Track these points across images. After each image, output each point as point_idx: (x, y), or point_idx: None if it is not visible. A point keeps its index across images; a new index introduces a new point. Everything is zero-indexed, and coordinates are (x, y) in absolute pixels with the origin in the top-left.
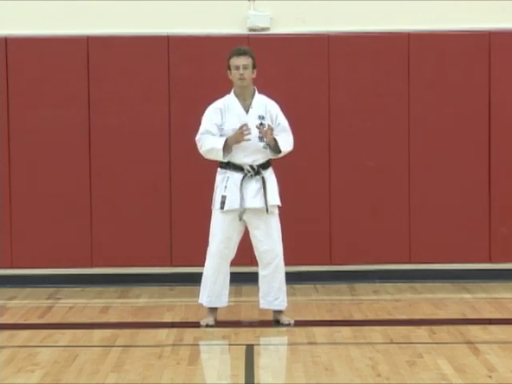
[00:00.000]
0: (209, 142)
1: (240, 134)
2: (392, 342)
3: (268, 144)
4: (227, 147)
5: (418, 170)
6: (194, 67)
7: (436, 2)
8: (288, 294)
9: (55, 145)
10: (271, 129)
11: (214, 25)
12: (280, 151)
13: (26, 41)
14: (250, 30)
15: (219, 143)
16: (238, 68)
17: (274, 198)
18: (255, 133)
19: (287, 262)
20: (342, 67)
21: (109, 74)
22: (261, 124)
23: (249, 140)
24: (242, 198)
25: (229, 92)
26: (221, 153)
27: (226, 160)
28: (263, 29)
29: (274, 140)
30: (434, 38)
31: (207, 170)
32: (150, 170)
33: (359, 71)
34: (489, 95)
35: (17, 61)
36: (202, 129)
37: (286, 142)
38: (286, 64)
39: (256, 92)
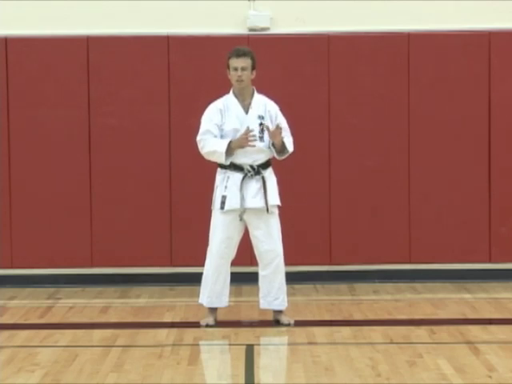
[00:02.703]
0: (211, 144)
1: (245, 139)
2: (392, 342)
3: (273, 145)
4: (230, 150)
5: (418, 170)
6: (194, 67)
7: (436, 1)
8: (288, 294)
9: (55, 145)
10: (280, 129)
11: (214, 25)
12: (287, 151)
13: (26, 41)
14: (250, 29)
15: (222, 146)
16: (236, 69)
17: (274, 198)
18: (255, 133)
19: (287, 262)
20: (342, 67)
21: (109, 74)
22: (261, 124)
23: (253, 146)
24: (242, 198)
25: (228, 92)
26: (223, 156)
27: (227, 163)
28: (263, 29)
29: (282, 141)
30: (433, 38)
31: (207, 170)
32: (150, 170)
33: (359, 71)
34: (489, 95)
35: (17, 61)
36: (202, 129)
37: (290, 143)
38: (286, 64)
39: (255, 92)
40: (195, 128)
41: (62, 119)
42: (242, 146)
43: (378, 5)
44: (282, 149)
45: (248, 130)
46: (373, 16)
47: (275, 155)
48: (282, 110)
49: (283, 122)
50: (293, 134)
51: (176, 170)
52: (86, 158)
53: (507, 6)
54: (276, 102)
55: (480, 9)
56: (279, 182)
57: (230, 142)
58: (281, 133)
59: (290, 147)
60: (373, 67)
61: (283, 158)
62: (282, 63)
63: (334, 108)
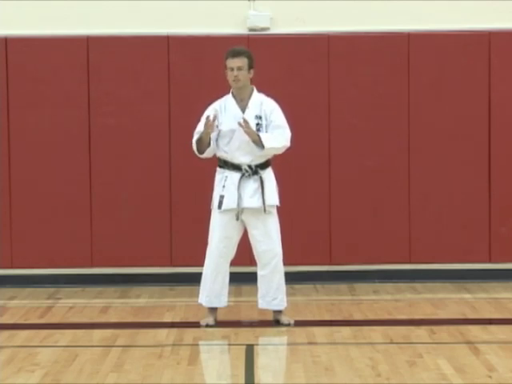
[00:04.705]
0: (193, 140)
1: (205, 124)
2: (392, 342)
3: (253, 140)
4: (203, 141)
5: (418, 170)
6: (194, 67)
7: (436, 2)
8: (288, 294)
9: (55, 145)
10: (244, 124)
11: (214, 25)
12: (262, 146)
13: (26, 41)
14: (250, 29)
15: (195, 137)
16: (232, 69)
17: (272, 198)
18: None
19: (287, 262)
20: (342, 67)
21: (109, 74)
22: (257, 124)
23: (213, 131)
24: (239, 198)
25: (228, 92)
26: (195, 145)
27: (204, 151)
28: (263, 29)
29: (258, 136)
30: (434, 38)
31: (207, 170)
32: (150, 170)
33: (359, 71)
34: (489, 95)
35: (17, 61)
36: (196, 130)
37: (275, 139)
38: (286, 64)
39: (254, 92)
40: (195, 128)
41: (62, 119)
42: (207, 133)
43: (378, 5)
44: (259, 144)
45: (208, 116)
46: (373, 16)
47: (255, 151)
48: (282, 109)
49: (277, 119)
50: (293, 134)
51: (176, 170)
52: (86, 158)
53: (507, 6)
54: (276, 101)
55: (480, 9)
56: (279, 182)
57: (202, 132)
58: (248, 127)
59: (273, 143)
60: (373, 67)
61: (265, 153)
62: (282, 63)
63: (334, 108)
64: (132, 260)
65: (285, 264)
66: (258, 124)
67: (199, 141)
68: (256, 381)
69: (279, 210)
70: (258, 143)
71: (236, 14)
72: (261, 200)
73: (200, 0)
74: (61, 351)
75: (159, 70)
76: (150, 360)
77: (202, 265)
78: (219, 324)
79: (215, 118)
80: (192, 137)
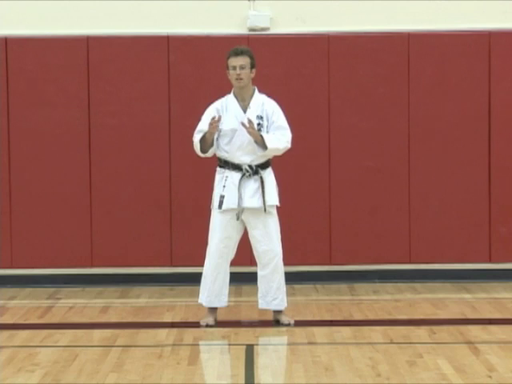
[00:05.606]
0: (195, 140)
1: (210, 125)
2: (392, 342)
3: (255, 141)
4: (206, 140)
5: (418, 170)
6: (194, 67)
7: (436, 2)
8: (288, 294)
9: (55, 145)
10: (248, 124)
11: (214, 25)
12: (266, 147)
13: (26, 41)
14: (250, 29)
15: (198, 137)
16: (234, 68)
17: (273, 198)
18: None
19: (287, 262)
20: (342, 67)
21: (109, 73)
22: (258, 124)
23: (217, 131)
24: (239, 198)
25: (229, 92)
26: (198, 145)
27: (207, 151)
28: (263, 29)
29: (261, 136)
30: (434, 38)
31: (207, 169)
32: (150, 170)
33: (359, 71)
34: (489, 95)
35: (17, 61)
36: (197, 128)
37: (277, 140)
38: (286, 64)
39: (256, 92)
40: (195, 128)
41: (62, 119)
42: (211, 133)
43: (378, 5)
44: (262, 144)
45: (213, 117)
46: (373, 16)
47: (257, 151)
48: (282, 109)
49: (279, 120)
50: (293, 134)
51: (176, 170)
52: (86, 158)
53: (507, 6)
54: (276, 101)
55: (480, 9)
56: (279, 182)
57: (205, 132)
58: (252, 128)
59: (275, 144)
60: (373, 67)
61: (266, 154)
62: (282, 63)
63: (334, 108)
64: (132, 260)
65: (285, 264)
66: (259, 124)
67: (202, 140)
68: (256, 381)
69: (279, 210)
70: (261, 144)
71: (236, 14)
72: (261, 200)
73: (200, 0)
74: (61, 351)
75: (159, 69)
76: (150, 360)
77: (202, 265)
78: (219, 324)
79: (220, 118)
80: (192, 136)
